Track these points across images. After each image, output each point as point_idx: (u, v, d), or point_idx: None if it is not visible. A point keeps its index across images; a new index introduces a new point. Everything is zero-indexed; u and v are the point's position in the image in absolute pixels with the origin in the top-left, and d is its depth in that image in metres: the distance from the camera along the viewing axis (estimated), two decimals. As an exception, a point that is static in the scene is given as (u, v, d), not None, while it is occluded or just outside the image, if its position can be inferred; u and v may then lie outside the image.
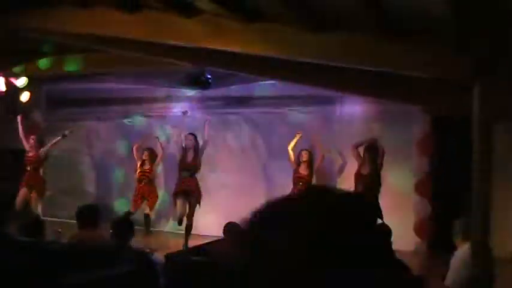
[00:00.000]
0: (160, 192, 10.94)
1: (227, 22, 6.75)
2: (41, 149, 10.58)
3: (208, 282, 5.52)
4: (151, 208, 10.40)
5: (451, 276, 5.16)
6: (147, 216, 10.30)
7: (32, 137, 10.68)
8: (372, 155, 9.25)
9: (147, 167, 10.49)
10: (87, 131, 12.53)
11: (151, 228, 10.52)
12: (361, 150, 9.45)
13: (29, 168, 10.52)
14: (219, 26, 6.82)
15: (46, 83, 11.61)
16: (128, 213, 9.53)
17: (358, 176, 9.28)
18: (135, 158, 10.64)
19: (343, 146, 10.43)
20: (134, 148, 10.71)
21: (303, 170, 9.77)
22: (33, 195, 10.45)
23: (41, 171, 10.75)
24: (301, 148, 9.95)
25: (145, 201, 10.33)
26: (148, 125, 11.98)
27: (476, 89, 5.56)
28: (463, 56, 5.76)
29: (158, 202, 10.65)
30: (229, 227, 6.92)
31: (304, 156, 9.81)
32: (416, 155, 9.88)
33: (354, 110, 10.54)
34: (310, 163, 9.81)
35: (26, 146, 10.61)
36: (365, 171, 9.25)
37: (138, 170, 10.49)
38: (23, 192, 10.33)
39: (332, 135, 10.57)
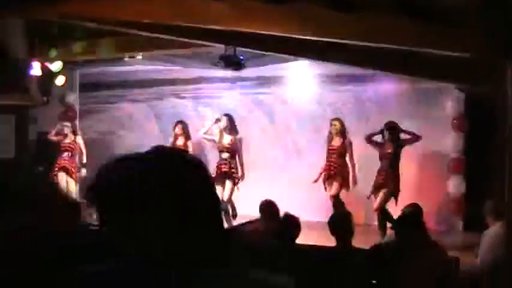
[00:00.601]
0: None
1: (256, 4, 6.73)
2: (77, 137, 10.76)
3: (243, 263, 5.57)
4: None
5: (482, 255, 5.15)
6: None
7: (67, 123, 10.83)
8: (393, 133, 9.09)
9: (181, 142, 10.46)
10: (121, 114, 12.66)
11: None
12: (377, 138, 9.32)
13: (65, 154, 10.69)
14: (249, 8, 6.81)
15: (80, 66, 11.75)
16: None
17: (382, 155, 9.18)
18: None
19: (376, 125, 10.39)
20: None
21: (335, 142, 9.57)
22: (69, 179, 10.64)
23: (76, 156, 10.91)
24: (331, 118, 9.77)
25: None
26: (182, 106, 12.05)
27: (509, 67, 5.49)
28: (494, 35, 5.68)
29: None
30: (265, 205, 6.92)
31: (335, 126, 9.54)
32: (450, 133, 9.80)
33: (386, 88, 10.48)
34: (342, 133, 9.53)
35: (62, 133, 10.79)
36: (389, 149, 9.11)
37: (171, 145, 10.39)
38: (59, 176, 10.50)
39: (364, 114, 10.55)
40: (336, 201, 9.25)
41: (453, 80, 8.91)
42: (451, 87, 9.61)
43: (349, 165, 9.43)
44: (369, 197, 9.19)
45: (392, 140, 9.07)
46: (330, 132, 9.59)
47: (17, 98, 11.53)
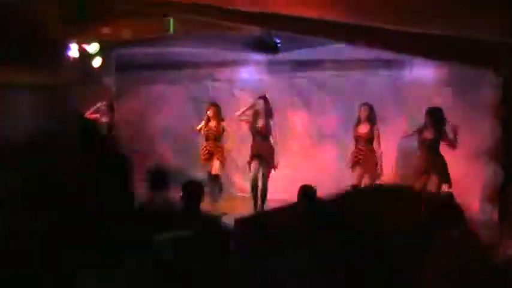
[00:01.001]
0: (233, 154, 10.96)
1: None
2: (114, 116, 10.85)
3: (278, 247, 5.58)
4: (220, 168, 10.35)
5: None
6: (216, 177, 10.31)
7: (104, 103, 10.91)
8: (435, 118, 8.94)
9: (213, 124, 10.46)
10: (156, 95, 12.71)
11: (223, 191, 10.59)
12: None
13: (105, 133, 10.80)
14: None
15: (116, 48, 11.81)
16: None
17: (422, 140, 9.04)
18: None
19: (412, 110, 10.30)
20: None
21: (362, 129, 9.49)
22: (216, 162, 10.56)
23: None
24: (361, 103, 9.66)
25: (213, 161, 10.35)
26: (217, 89, 12.06)
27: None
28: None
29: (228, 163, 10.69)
30: (304, 190, 6.90)
31: (364, 112, 9.48)
32: (488, 119, 9.65)
33: (423, 73, 10.36)
34: (370, 120, 9.45)
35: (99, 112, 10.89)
36: (429, 135, 9.00)
37: (204, 127, 10.46)
38: None
39: (401, 99, 10.46)
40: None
41: (492, 65, 8.76)
42: (489, 72, 9.45)
43: (377, 153, 9.34)
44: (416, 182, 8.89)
45: (433, 125, 8.93)
46: (359, 118, 9.51)
47: (54, 79, 11.65)
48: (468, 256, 4.57)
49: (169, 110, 12.59)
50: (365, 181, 9.28)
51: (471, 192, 9.42)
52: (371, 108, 9.47)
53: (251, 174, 9.86)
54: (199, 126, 10.42)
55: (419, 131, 9.06)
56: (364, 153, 9.35)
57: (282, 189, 9.68)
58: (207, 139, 10.40)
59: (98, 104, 10.96)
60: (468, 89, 9.84)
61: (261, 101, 9.88)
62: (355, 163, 9.41)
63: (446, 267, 4.48)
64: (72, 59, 10.78)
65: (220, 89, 12.02)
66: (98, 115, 10.92)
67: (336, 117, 11.04)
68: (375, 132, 9.40)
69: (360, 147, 9.42)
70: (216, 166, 10.26)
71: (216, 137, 10.36)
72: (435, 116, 8.90)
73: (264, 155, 9.76)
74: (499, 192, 9.50)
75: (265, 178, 9.76)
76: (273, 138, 9.87)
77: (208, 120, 10.42)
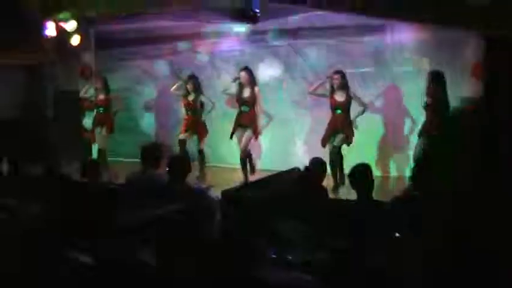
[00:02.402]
0: (219, 126, 10.97)
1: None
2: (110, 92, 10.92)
3: (265, 218, 5.63)
4: (200, 141, 10.41)
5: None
6: (200, 151, 10.36)
7: (100, 80, 10.90)
8: (437, 81, 8.90)
9: (191, 98, 10.47)
10: (137, 70, 12.64)
11: (208, 164, 10.66)
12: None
13: (101, 110, 10.81)
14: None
15: (94, 25, 11.70)
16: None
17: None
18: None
19: (395, 75, 10.32)
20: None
21: (339, 97, 9.44)
22: (103, 133, 10.84)
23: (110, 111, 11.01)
24: (333, 71, 9.60)
25: (193, 135, 10.38)
26: (198, 61, 11.99)
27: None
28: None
29: (211, 136, 10.74)
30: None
31: (336, 79, 9.39)
32: (469, 80, 9.67)
33: (404, 38, 10.33)
34: (345, 87, 9.38)
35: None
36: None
37: (183, 101, 10.53)
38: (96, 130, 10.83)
39: (383, 65, 10.45)
40: (335, 154, 9.25)
41: (474, 26, 8.73)
42: (472, 34, 9.44)
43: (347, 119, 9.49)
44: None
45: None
46: (332, 86, 9.47)
47: (33, 57, 11.52)
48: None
49: (151, 85, 12.54)
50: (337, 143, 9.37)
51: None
52: (343, 76, 9.42)
53: (239, 147, 9.88)
54: (173, 88, 10.50)
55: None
56: (342, 121, 9.35)
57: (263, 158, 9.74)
58: (186, 112, 10.42)
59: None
60: (450, 51, 9.83)
61: (244, 72, 9.89)
62: (332, 131, 9.41)
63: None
64: (50, 38, 10.69)
65: (201, 61, 11.96)
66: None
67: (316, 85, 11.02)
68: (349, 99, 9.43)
69: (336, 116, 9.39)
70: (195, 139, 10.32)
71: (194, 111, 10.36)
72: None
73: (248, 124, 9.80)
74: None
75: (246, 145, 9.80)
76: (257, 107, 9.91)
77: (188, 93, 10.42)
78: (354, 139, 9.38)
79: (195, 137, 10.42)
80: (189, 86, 10.40)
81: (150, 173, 6.40)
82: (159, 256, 3.36)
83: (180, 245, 3.31)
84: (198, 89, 10.44)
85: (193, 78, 10.50)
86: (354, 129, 9.38)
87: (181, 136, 10.27)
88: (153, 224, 3.78)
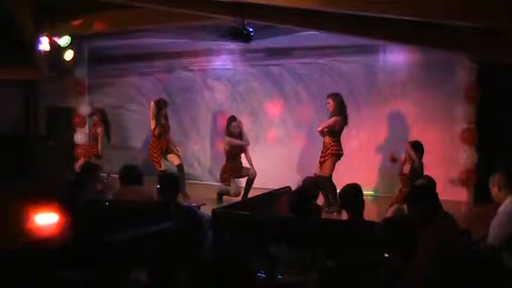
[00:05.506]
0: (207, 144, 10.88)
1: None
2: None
3: (255, 236, 5.62)
4: (178, 160, 10.18)
5: (494, 233, 5.05)
6: (179, 168, 10.09)
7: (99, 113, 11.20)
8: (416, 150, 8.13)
9: (164, 121, 10.15)
10: (129, 87, 12.63)
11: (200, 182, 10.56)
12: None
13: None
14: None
15: (88, 40, 11.73)
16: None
17: None
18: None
19: (386, 95, 10.35)
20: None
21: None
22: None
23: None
24: (327, 94, 9.40)
25: (171, 154, 10.21)
26: (190, 79, 12.01)
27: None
28: (506, 5, 5.61)
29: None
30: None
31: (329, 105, 9.17)
32: (462, 103, 9.71)
33: (397, 59, 10.38)
34: (339, 110, 9.10)
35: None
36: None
37: (158, 127, 10.11)
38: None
39: (375, 85, 10.49)
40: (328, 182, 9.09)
41: (465, 50, 8.79)
42: (464, 58, 9.50)
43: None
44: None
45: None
46: (328, 110, 9.28)
47: (26, 73, 11.53)
48: (448, 238, 4.61)
49: (143, 102, 12.51)
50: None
51: (446, 174, 9.51)
52: (334, 99, 9.18)
53: (236, 191, 9.76)
54: (153, 126, 10.24)
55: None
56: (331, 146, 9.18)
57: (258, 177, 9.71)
58: (160, 137, 10.14)
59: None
60: (442, 75, 9.89)
61: (236, 124, 9.80)
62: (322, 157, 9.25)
63: (431, 251, 4.52)
64: (43, 53, 10.70)
65: (193, 79, 11.98)
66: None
67: (310, 105, 11.04)
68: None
69: (326, 138, 9.22)
70: (176, 159, 10.17)
71: (168, 134, 10.22)
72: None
73: (243, 172, 9.83)
74: (473, 174, 9.60)
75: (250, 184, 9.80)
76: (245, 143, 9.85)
77: (165, 119, 10.23)
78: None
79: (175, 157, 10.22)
80: (163, 112, 10.20)
81: (135, 191, 6.35)
82: (153, 275, 3.34)
83: (174, 263, 3.29)
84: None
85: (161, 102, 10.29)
86: None
87: (177, 162, 10.16)
88: (147, 242, 3.76)
